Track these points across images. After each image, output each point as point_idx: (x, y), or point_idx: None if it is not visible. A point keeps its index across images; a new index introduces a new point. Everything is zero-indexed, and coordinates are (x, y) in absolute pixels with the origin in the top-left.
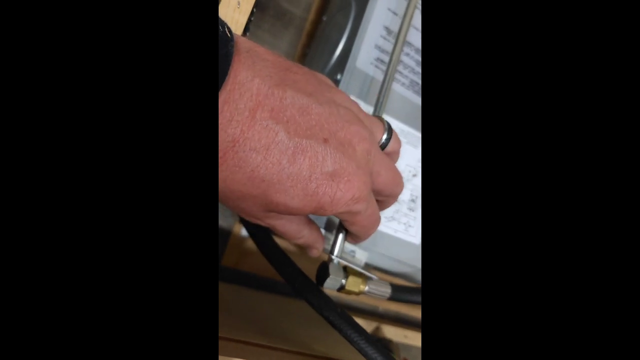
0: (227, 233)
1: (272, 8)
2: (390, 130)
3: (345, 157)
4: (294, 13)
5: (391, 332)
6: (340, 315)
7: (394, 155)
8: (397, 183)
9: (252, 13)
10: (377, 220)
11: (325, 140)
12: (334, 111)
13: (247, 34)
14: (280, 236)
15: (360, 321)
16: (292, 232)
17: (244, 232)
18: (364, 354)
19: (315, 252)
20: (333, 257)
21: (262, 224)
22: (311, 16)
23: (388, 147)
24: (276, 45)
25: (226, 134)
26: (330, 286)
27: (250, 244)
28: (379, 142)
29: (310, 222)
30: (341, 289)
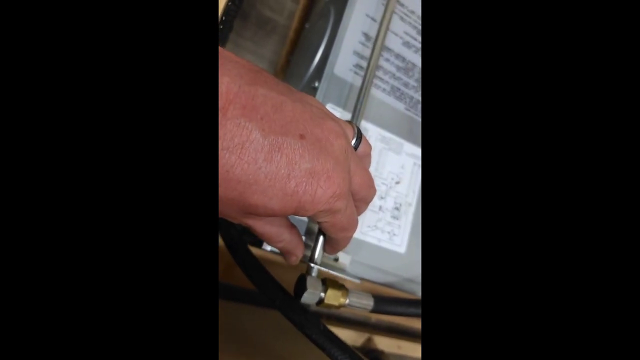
0: None
1: (255, 16)
2: (359, 133)
3: (323, 153)
4: (277, 21)
5: (383, 343)
6: (322, 333)
7: (366, 159)
8: (371, 186)
9: (221, 21)
10: (356, 222)
11: (302, 137)
12: (307, 109)
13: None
14: (260, 238)
15: (351, 332)
16: (272, 235)
17: None
18: None
19: (294, 259)
20: (312, 265)
21: (242, 224)
22: (294, 24)
23: (359, 149)
24: (259, 54)
25: None
26: (308, 300)
27: None
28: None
29: (291, 226)
30: (320, 302)
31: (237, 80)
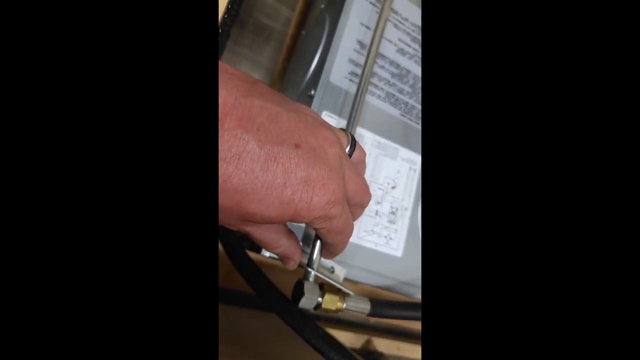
0: None
1: (251, 24)
2: (354, 140)
3: (318, 162)
4: (274, 28)
5: (383, 345)
6: (321, 337)
7: (361, 166)
8: (366, 191)
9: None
10: (352, 227)
11: (297, 146)
12: (302, 118)
13: None
14: (258, 244)
15: (350, 335)
16: (270, 241)
17: None
18: None
19: (292, 264)
20: (310, 270)
21: (241, 231)
22: (291, 30)
23: (353, 156)
24: (256, 61)
25: None
26: (305, 305)
27: None
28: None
29: (289, 232)
30: (317, 307)
31: (234, 92)
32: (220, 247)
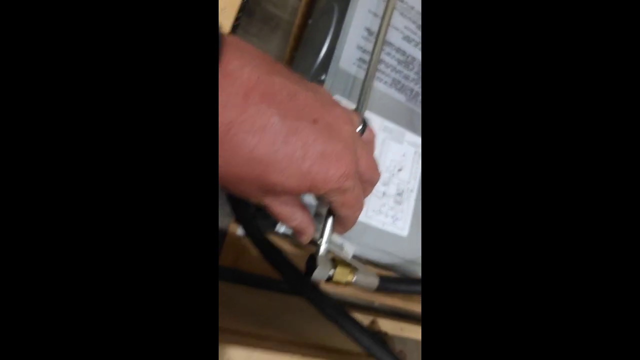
0: (224, 233)
1: (259, 12)
2: (364, 121)
3: (333, 137)
4: (281, 17)
5: (387, 325)
6: (335, 308)
7: (370, 145)
8: (376, 169)
9: (237, 18)
10: (362, 202)
11: (315, 122)
12: (318, 97)
13: None
14: (275, 217)
15: (356, 315)
16: (286, 214)
17: (239, 231)
18: (359, 342)
19: (305, 238)
20: (321, 243)
21: (261, 203)
22: (298, 20)
23: (364, 136)
24: (264, 50)
25: (222, 117)
26: (318, 277)
27: (245, 243)
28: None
29: (303, 207)
30: (329, 279)
31: (256, 70)
32: (234, 228)
